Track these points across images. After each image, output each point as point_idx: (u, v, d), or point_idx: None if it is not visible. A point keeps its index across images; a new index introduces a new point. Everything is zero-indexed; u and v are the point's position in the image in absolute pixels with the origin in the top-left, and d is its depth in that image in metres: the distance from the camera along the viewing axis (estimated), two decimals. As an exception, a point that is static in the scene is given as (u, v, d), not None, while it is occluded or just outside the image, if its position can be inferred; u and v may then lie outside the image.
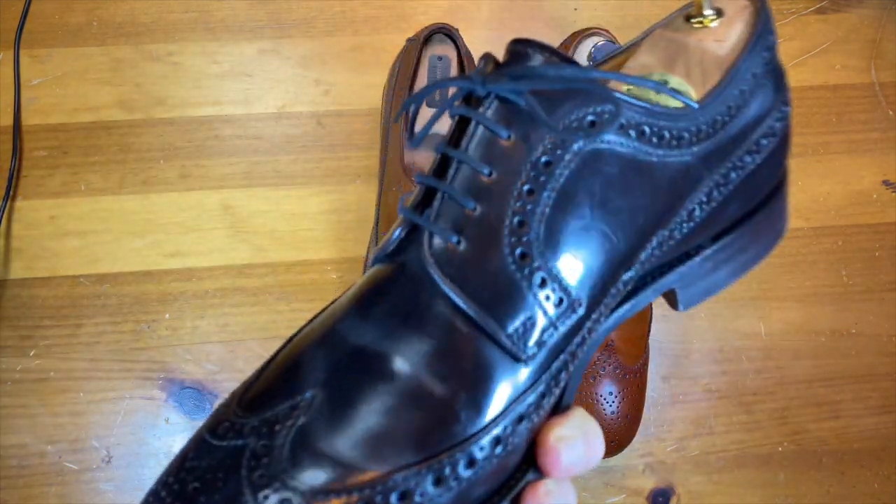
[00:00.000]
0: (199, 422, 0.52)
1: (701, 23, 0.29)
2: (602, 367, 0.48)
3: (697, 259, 0.29)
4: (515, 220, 0.22)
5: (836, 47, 0.63)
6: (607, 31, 0.52)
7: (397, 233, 0.24)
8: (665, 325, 0.55)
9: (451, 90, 0.52)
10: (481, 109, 0.23)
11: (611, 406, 0.48)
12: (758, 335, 0.55)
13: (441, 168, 0.24)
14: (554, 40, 0.57)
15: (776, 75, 0.29)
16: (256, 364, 0.24)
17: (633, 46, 0.31)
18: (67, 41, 0.61)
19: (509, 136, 0.23)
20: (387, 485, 0.20)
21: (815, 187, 0.59)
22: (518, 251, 0.22)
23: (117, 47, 0.61)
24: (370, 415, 0.21)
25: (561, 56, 0.23)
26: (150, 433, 0.52)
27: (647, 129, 0.24)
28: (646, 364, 0.51)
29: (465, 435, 0.21)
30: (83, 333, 0.53)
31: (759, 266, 0.59)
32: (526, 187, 0.23)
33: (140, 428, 0.52)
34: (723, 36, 0.28)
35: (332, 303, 0.25)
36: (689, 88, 0.28)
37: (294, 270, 0.55)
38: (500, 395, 0.22)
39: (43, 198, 0.56)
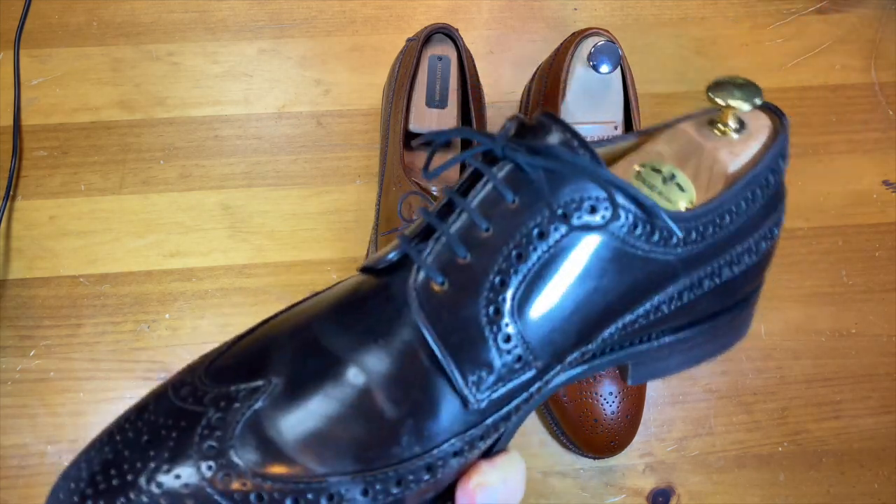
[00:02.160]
0: (199, 422, 0.52)
1: (723, 132, 0.29)
2: (602, 367, 0.48)
3: (655, 343, 0.30)
4: (498, 278, 0.24)
5: (836, 47, 0.63)
6: (607, 31, 0.52)
7: (392, 255, 0.25)
8: (665, 325, 0.55)
9: (453, 90, 0.52)
10: (495, 169, 0.25)
11: (611, 406, 0.48)
12: (758, 335, 0.55)
13: (445, 210, 0.26)
14: (554, 40, 0.57)
15: (777, 198, 0.30)
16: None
17: (656, 131, 0.31)
18: (67, 41, 0.61)
19: (514, 201, 0.24)
20: (321, 484, 0.22)
21: (815, 187, 0.59)
22: (492, 307, 0.24)
23: (117, 47, 0.61)
24: (322, 418, 0.22)
25: (580, 140, 0.24)
26: (150, 433, 0.52)
27: (640, 225, 0.25)
28: (646, 364, 0.51)
29: (402, 457, 0.23)
30: (83, 333, 0.53)
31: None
32: (515, 251, 0.24)
33: (140, 428, 0.52)
34: (738, 151, 0.29)
35: (316, 295, 0.27)
36: (693, 189, 0.29)
37: (294, 270, 0.55)
38: (442, 430, 0.23)
39: (43, 198, 0.56)
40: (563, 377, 0.27)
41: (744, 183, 0.28)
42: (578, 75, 0.51)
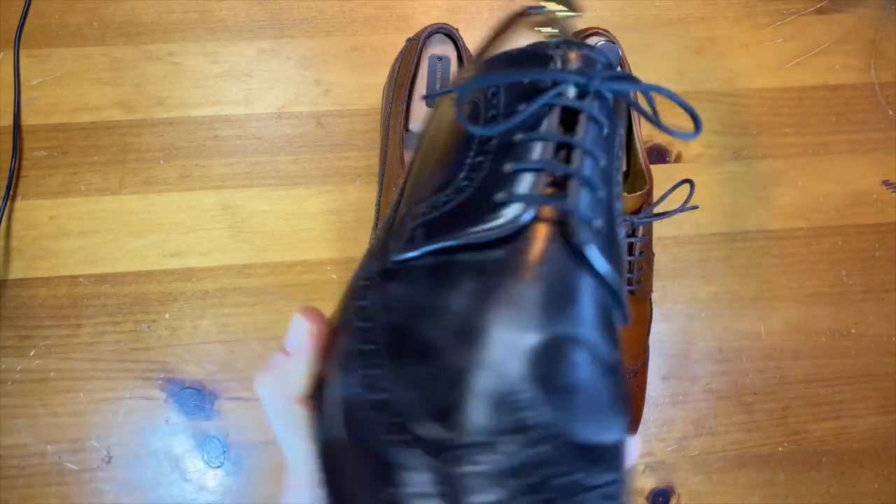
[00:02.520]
0: (200, 422, 0.52)
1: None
2: (602, 367, 0.48)
3: None
4: (616, 201, 0.26)
5: (836, 47, 0.63)
6: (607, 31, 0.52)
7: (512, 216, 0.23)
8: (665, 325, 0.55)
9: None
10: (587, 104, 0.26)
11: (611, 406, 0.48)
12: (758, 335, 0.55)
13: (565, 157, 0.25)
14: (554, 40, 0.57)
15: None
16: (256, 364, 0.23)
17: (491, 45, 0.34)
18: (67, 41, 0.61)
19: (605, 130, 0.26)
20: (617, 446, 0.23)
21: (815, 187, 0.59)
22: (623, 228, 0.27)
23: (117, 47, 0.61)
24: (587, 393, 0.22)
25: (611, 61, 0.27)
26: (150, 433, 0.52)
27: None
28: (646, 364, 0.51)
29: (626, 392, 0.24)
30: (83, 333, 0.53)
31: (759, 266, 0.59)
32: (615, 174, 0.26)
33: (140, 428, 0.52)
34: None
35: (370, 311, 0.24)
36: None
37: (294, 270, 0.55)
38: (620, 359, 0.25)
39: (43, 198, 0.56)
40: None
41: None
42: (578, 75, 0.51)
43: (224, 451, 0.52)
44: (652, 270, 0.50)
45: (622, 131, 0.27)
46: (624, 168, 0.52)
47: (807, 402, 0.54)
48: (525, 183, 0.24)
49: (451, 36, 0.53)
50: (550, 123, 0.25)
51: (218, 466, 0.52)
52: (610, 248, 0.24)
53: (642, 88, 0.26)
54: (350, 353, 0.23)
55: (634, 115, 0.51)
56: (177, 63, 0.61)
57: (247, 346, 0.53)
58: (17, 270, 0.54)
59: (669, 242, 0.57)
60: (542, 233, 0.23)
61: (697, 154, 0.59)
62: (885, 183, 0.59)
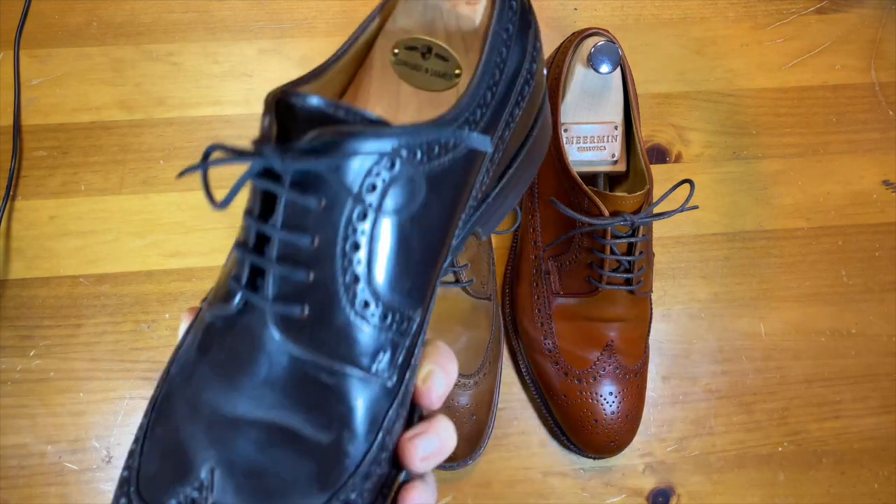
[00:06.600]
0: (199, 422, 0.52)
1: None
2: (602, 367, 0.48)
3: (489, 200, 0.31)
4: (347, 276, 0.23)
5: (836, 47, 0.63)
6: (607, 31, 0.52)
7: (236, 302, 0.24)
8: (665, 325, 0.55)
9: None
10: (285, 183, 0.23)
11: (611, 406, 0.48)
12: (758, 335, 0.55)
13: (260, 244, 0.24)
14: (554, 40, 0.57)
15: (524, 22, 0.30)
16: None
17: (388, 6, 0.30)
18: (67, 41, 0.61)
19: (320, 202, 0.23)
20: None
21: (815, 187, 0.59)
22: (358, 301, 0.23)
23: (117, 47, 0.61)
24: (274, 477, 0.22)
25: (347, 116, 0.23)
26: (150, 433, 0.52)
27: (434, 148, 0.24)
28: (646, 364, 0.51)
29: (357, 461, 0.23)
30: (83, 333, 0.53)
31: (759, 266, 0.59)
32: (349, 244, 0.23)
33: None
34: (473, 0, 0.29)
35: (176, 356, 0.27)
36: (454, 54, 0.29)
37: (294, 270, 0.55)
38: (375, 419, 0.24)
39: (43, 198, 0.56)
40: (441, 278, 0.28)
41: (494, 30, 0.28)
42: (578, 75, 0.51)
43: (224, 451, 0.52)
44: (652, 270, 0.50)
45: (349, 200, 0.23)
46: (624, 168, 0.52)
47: (807, 402, 0.54)
48: (238, 268, 0.25)
49: (451, 36, 0.53)
50: (254, 206, 0.25)
51: (218, 466, 0.52)
52: (319, 335, 0.23)
53: (329, 166, 0.22)
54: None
55: (634, 113, 0.51)
56: (177, 63, 0.61)
57: (247, 346, 0.53)
58: (18, 270, 0.54)
59: (669, 242, 0.57)
60: (245, 312, 0.24)
61: (697, 154, 0.59)
62: (885, 183, 0.59)
